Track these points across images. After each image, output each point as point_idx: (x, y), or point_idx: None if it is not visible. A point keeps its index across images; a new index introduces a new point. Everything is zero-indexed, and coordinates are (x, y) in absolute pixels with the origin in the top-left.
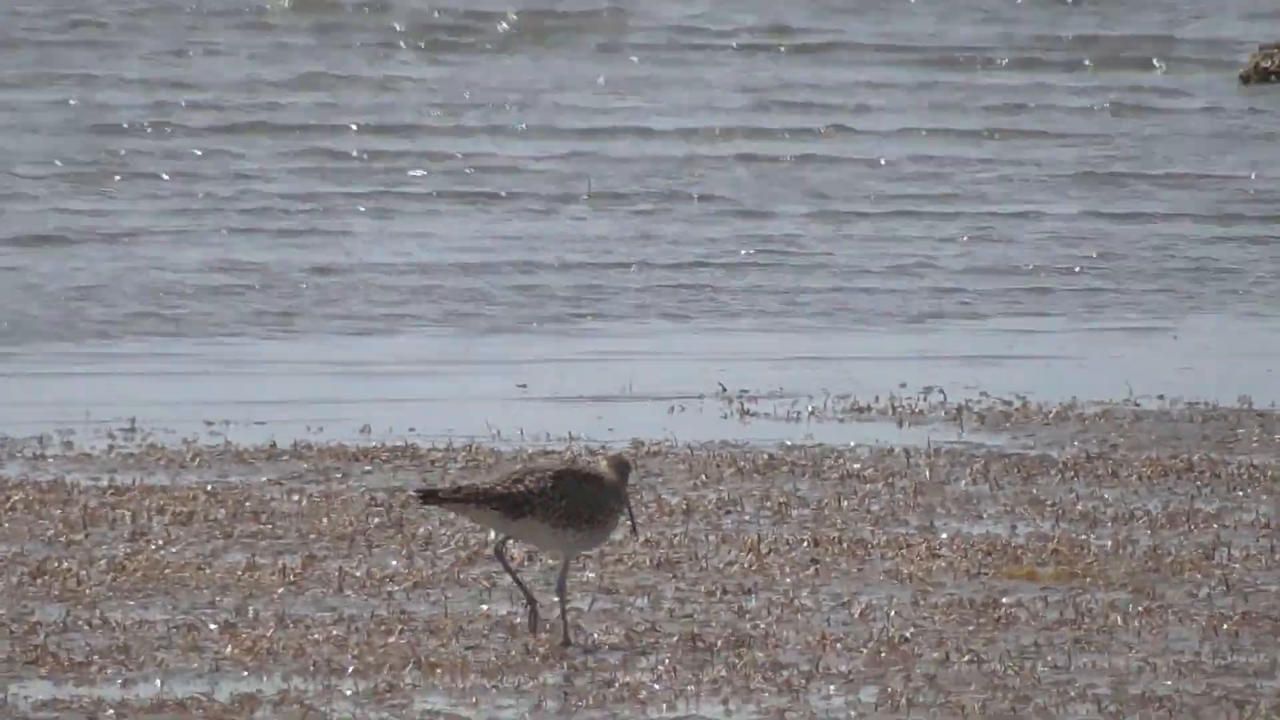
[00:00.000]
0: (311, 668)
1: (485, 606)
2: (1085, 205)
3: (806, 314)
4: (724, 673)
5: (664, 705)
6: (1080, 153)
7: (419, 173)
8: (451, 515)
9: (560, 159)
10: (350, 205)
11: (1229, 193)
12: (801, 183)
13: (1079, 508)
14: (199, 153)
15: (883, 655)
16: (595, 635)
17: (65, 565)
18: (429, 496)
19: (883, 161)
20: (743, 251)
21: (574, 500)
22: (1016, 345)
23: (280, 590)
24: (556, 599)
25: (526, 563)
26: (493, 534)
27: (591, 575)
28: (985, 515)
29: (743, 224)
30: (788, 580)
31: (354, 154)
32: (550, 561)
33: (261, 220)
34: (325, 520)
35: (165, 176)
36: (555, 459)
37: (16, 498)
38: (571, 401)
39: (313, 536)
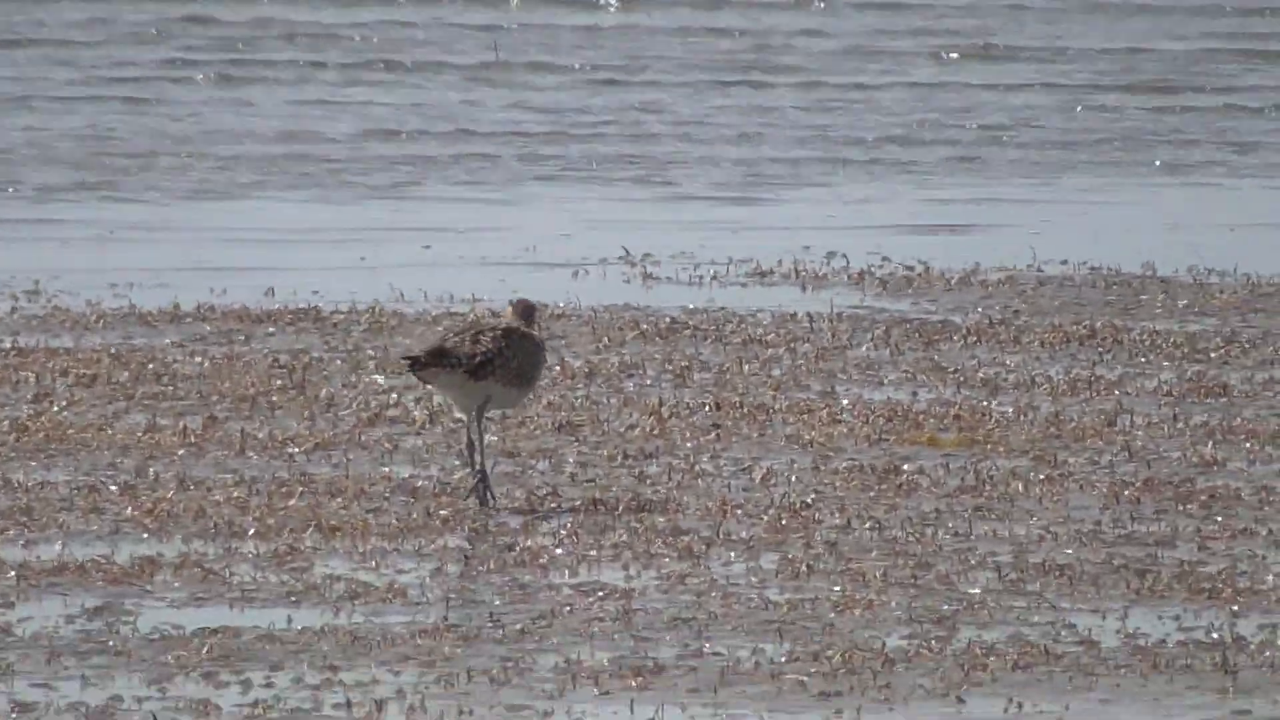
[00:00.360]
0: (212, 530)
1: (387, 469)
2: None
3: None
4: (625, 538)
5: (565, 570)
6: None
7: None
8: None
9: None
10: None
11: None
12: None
13: (981, 374)
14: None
15: (783, 521)
16: (498, 499)
17: None
18: (413, 363)
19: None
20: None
21: (522, 360)
22: (921, 213)
23: (181, 452)
24: (477, 459)
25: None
26: (461, 415)
27: (494, 439)
28: (887, 381)
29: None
30: (689, 445)
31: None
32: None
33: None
34: (227, 382)
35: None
36: (465, 320)
37: None
38: (475, 265)
39: (214, 398)
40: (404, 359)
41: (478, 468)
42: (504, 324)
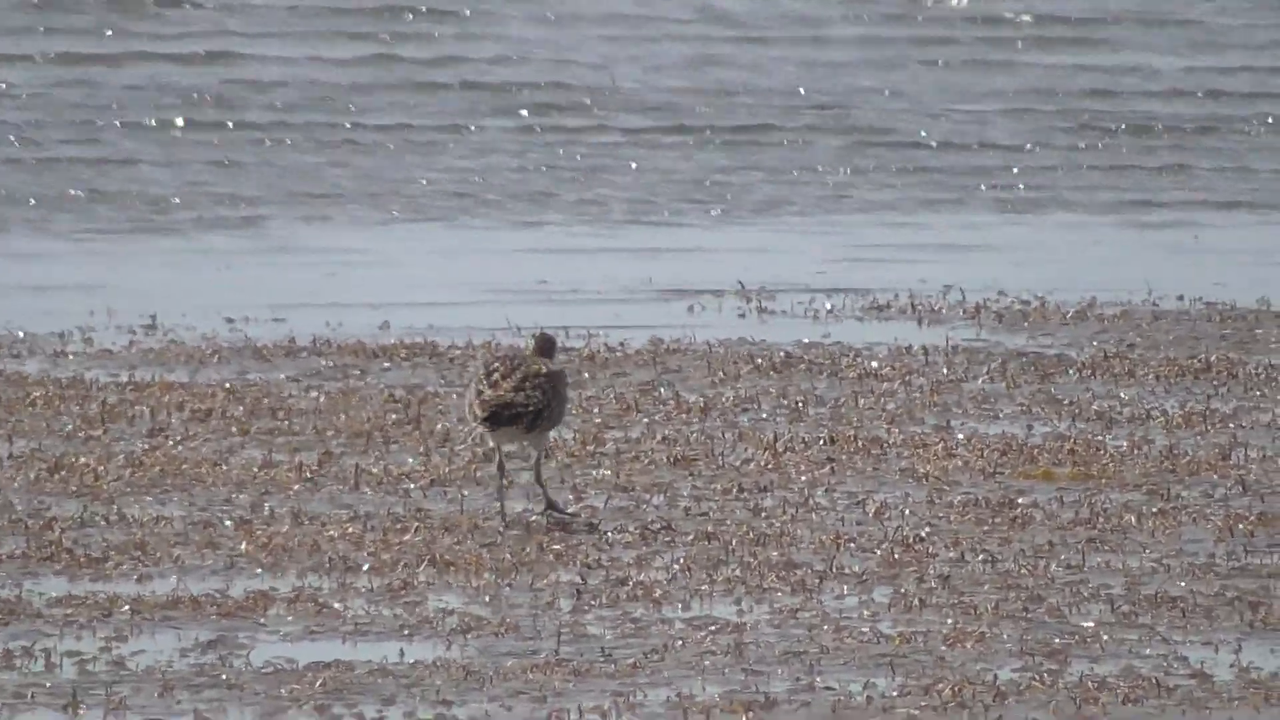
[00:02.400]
0: (326, 564)
1: (500, 504)
2: None
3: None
4: (738, 572)
5: (678, 604)
6: None
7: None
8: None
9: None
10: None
11: None
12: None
13: (1095, 407)
14: None
15: (897, 555)
16: (610, 533)
17: (83, 461)
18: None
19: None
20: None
21: (557, 405)
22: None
23: (296, 487)
24: (539, 487)
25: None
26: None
27: (608, 473)
28: (1002, 415)
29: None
30: (803, 479)
31: None
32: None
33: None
34: (343, 417)
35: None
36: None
37: (37, 394)
38: (592, 298)
39: (330, 433)
40: (479, 417)
41: (532, 489)
42: (543, 368)
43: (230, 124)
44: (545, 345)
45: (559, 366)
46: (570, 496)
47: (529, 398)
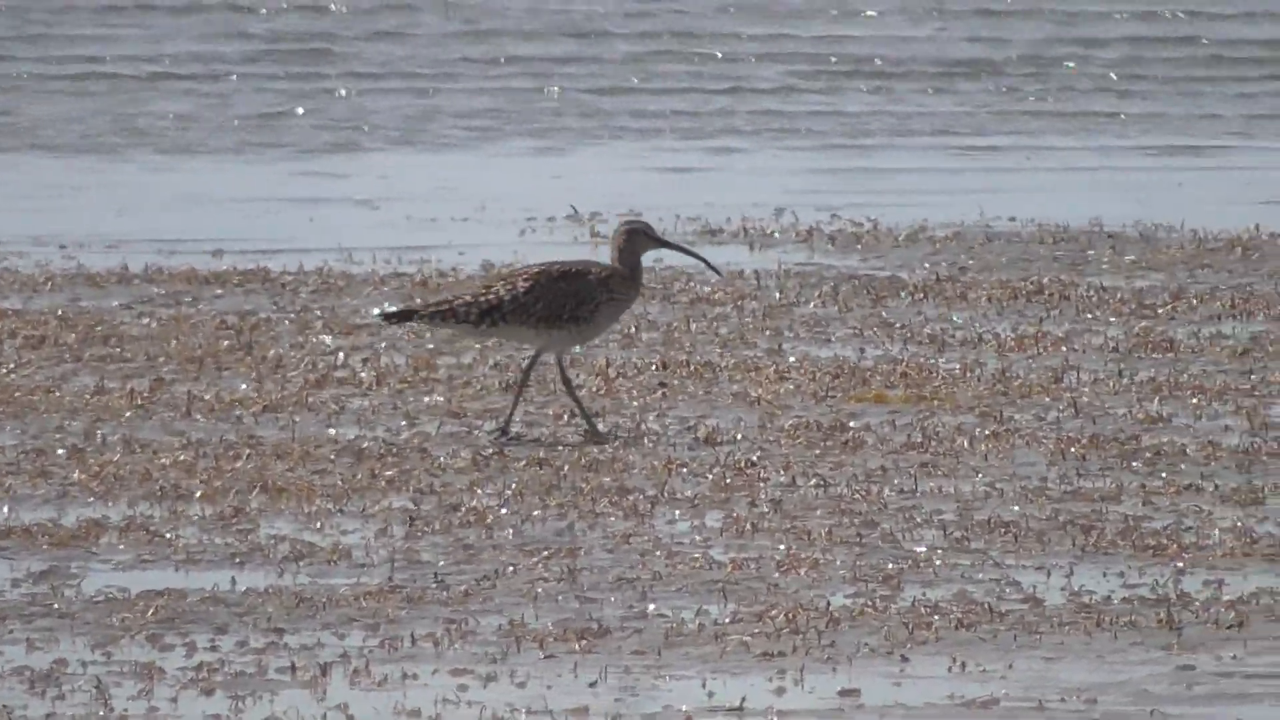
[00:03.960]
0: (158, 493)
1: (333, 430)
2: None
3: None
4: (570, 497)
5: (510, 529)
6: None
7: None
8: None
9: None
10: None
11: None
12: None
13: (928, 330)
14: None
15: (729, 480)
16: (443, 459)
17: None
18: (402, 316)
19: None
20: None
21: (550, 301)
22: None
23: (129, 414)
24: (568, 397)
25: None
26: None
27: (440, 399)
28: (834, 338)
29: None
30: (635, 404)
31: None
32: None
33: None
34: (175, 344)
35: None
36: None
37: None
38: (424, 223)
39: (162, 360)
40: (383, 315)
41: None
42: (568, 269)
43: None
44: (624, 238)
45: (610, 270)
46: (403, 423)
47: (483, 296)
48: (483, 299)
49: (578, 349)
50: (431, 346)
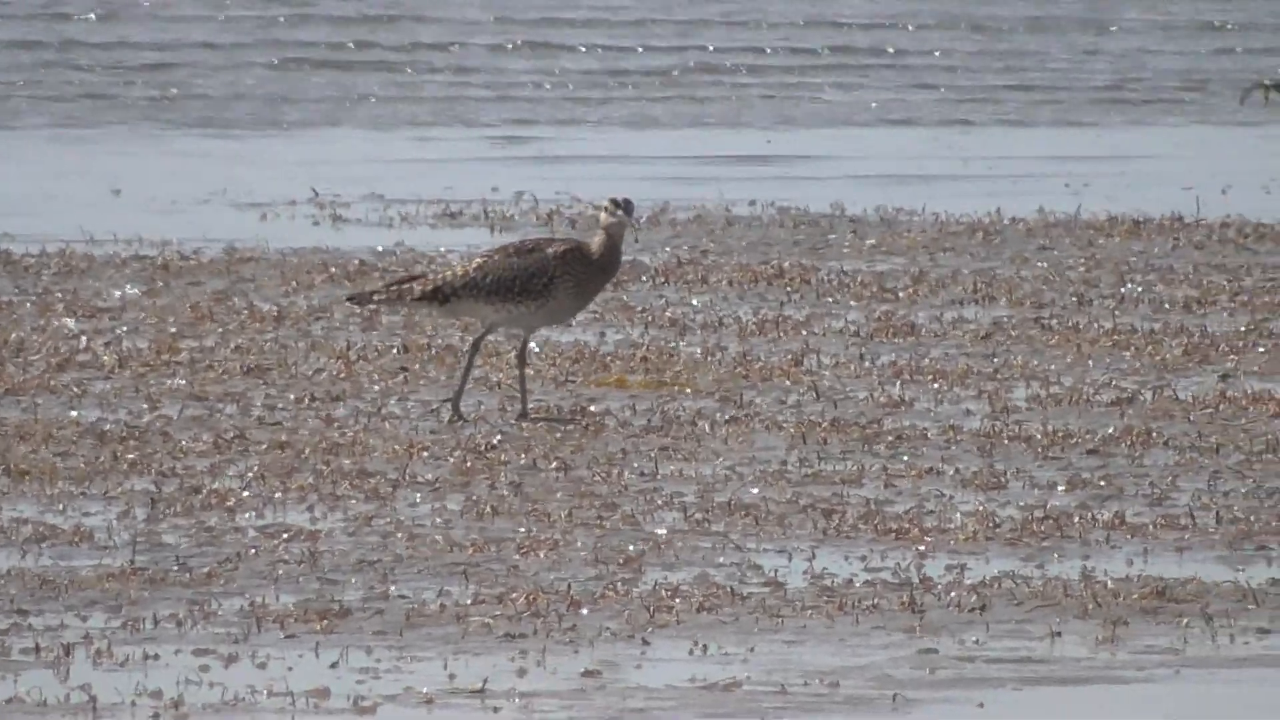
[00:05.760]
0: None
1: (75, 413)
2: None
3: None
4: (312, 480)
5: (251, 512)
6: None
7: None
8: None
9: None
10: None
11: None
12: None
13: (668, 314)
14: None
15: (469, 463)
16: (185, 442)
17: None
18: (362, 299)
19: None
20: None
21: (500, 275)
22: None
23: None
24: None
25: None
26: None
27: (182, 382)
28: (574, 322)
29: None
30: (376, 388)
31: None
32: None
33: None
34: None
35: None
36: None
37: None
38: (166, 207)
39: None
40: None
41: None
42: (509, 244)
43: None
44: (608, 215)
45: (571, 247)
46: (145, 406)
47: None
48: (435, 277)
49: (547, 330)
50: (174, 330)
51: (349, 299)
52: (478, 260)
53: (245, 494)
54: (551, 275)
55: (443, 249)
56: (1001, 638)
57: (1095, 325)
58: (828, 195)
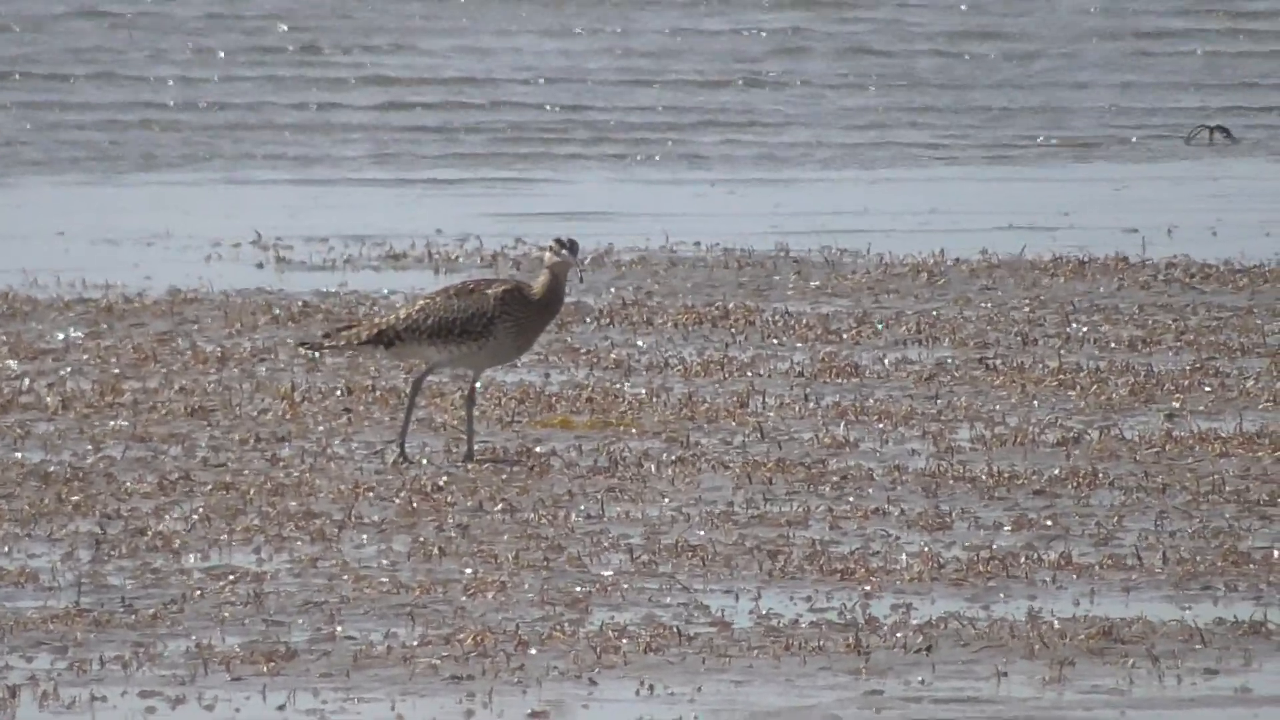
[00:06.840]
0: None
1: (19, 454)
2: None
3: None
4: (257, 521)
5: (197, 554)
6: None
7: None
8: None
9: None
10: None
11: None
12: None
13: (613, 355)
14: None
15: (415, 504)
16: (129, 484)
17: None
18: (314, 346)
19: None
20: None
21: (442, 316)
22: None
23: None
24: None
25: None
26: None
27: (125, 424)
28: (519, 363)
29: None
30: (321, 429)
31: None
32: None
33: None
34: None
35: None
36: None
37: None
38: (111, 246)
39: None
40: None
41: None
42: (452, 285)
43: None
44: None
45: (511, 288)
46: (89, 447)
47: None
48: (380, 320)
49: (492, 370)
50: (117, 371)
51: (301, 344)
52: (420, 302)
53: (190, 536)
54: (491, 316)
55: (386, 291)
56: (948, 678)
57: (1040, 365)
58: (772, 237)
